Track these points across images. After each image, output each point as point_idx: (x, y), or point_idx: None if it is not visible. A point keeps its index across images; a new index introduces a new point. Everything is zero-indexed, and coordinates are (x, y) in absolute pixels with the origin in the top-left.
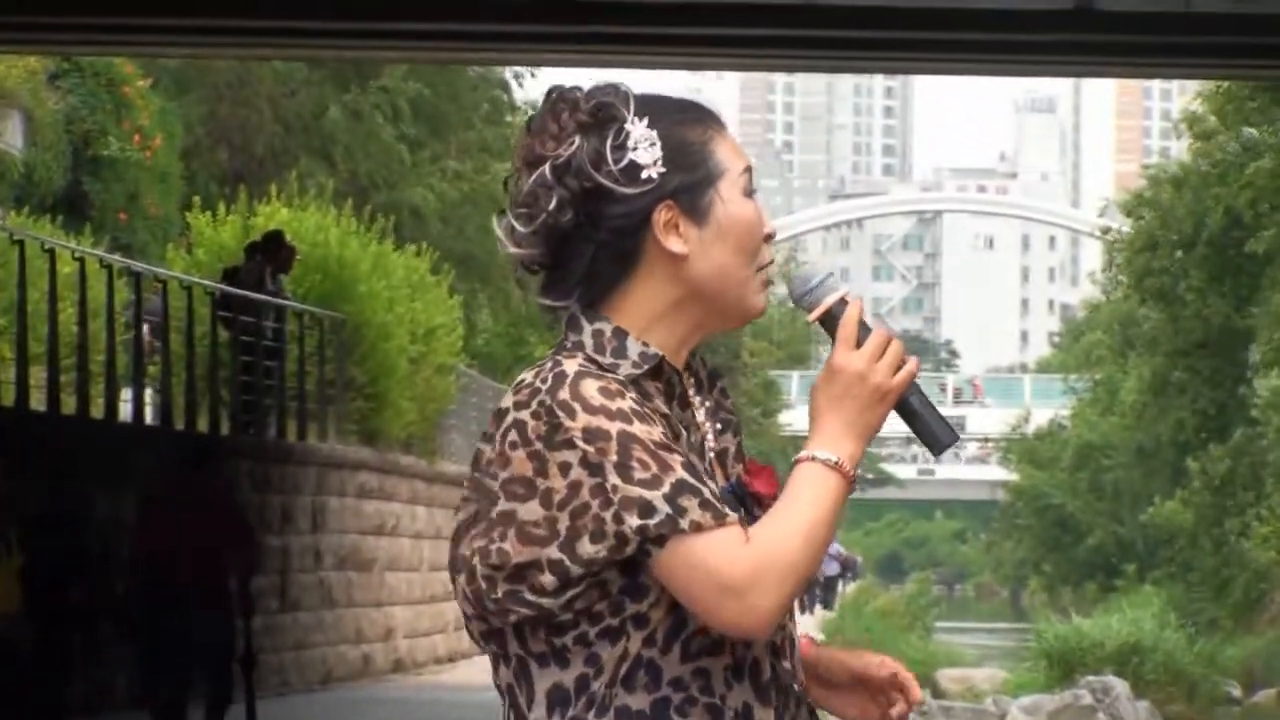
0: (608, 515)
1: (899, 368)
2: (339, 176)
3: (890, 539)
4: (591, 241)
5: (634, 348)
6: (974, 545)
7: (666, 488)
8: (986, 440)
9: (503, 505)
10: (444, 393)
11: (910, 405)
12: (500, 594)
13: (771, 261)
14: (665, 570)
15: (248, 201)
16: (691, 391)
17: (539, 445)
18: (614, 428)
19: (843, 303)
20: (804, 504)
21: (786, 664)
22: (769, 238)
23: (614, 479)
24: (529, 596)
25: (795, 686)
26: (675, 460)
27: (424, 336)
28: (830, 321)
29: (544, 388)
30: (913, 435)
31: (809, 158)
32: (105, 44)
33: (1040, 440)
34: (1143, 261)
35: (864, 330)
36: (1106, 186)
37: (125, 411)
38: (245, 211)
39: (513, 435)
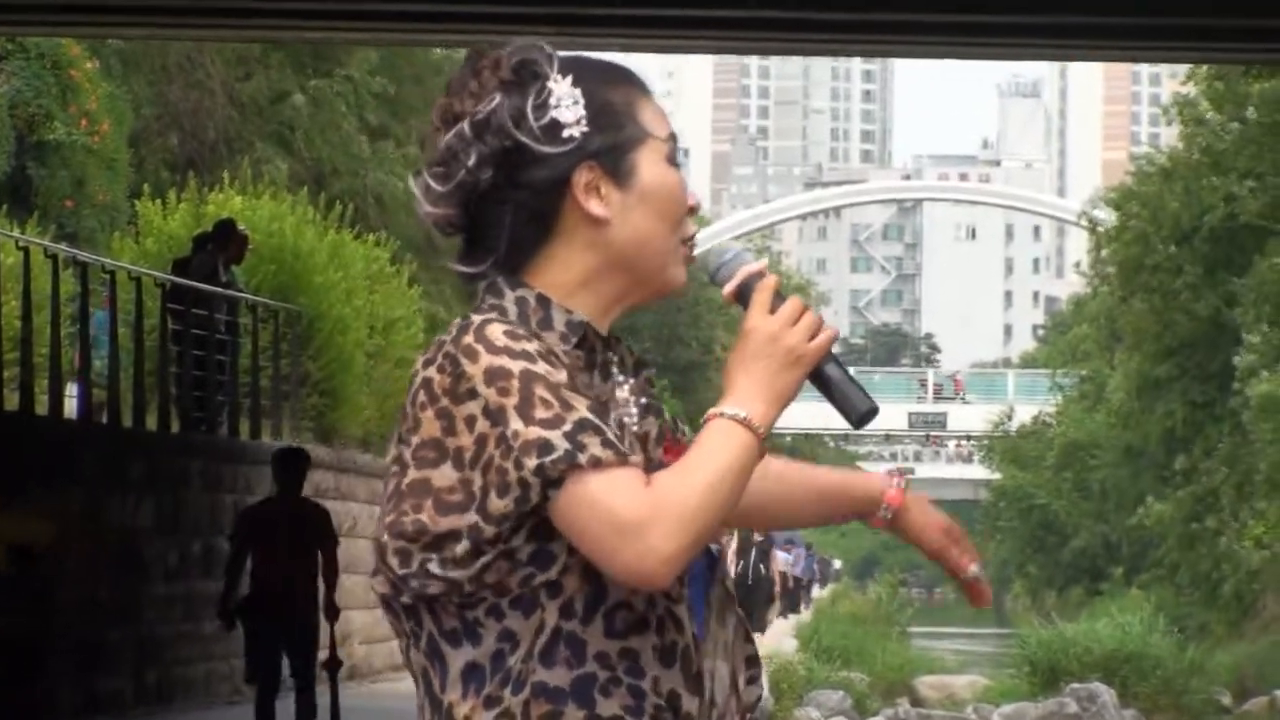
0: (509, 464)
1: (815, 335)
2: (298, 162)
3: (868, 541)
4: (509, 202)
5: (559, 316)
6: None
7: (568, 425)
8: (968, 438)
9: (414, 474)
10: (403, 388)
11: (825, 373)
12: (414, 567)
13: (695, 235)
14: (563, 511)
15: (199, 189)
16: (615, 369)
17: (445, 401)
18: (516, 366)
19: (758, 276)
20: (708, 454)
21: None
22: (693, 210)
23: (514, 424)
24: (437, 570)
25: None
26: (579, 401)
27: (383, 329)
28: (745, 296)
29: (448, 339)
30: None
31: (784, 144)
32: (51, 25)
33: (1024, 438)
34: (1134, 257)
35: (779, 300)
36: (1093, 174)
37: (71, 408)
38: (196, 199)
39: (422, 395)
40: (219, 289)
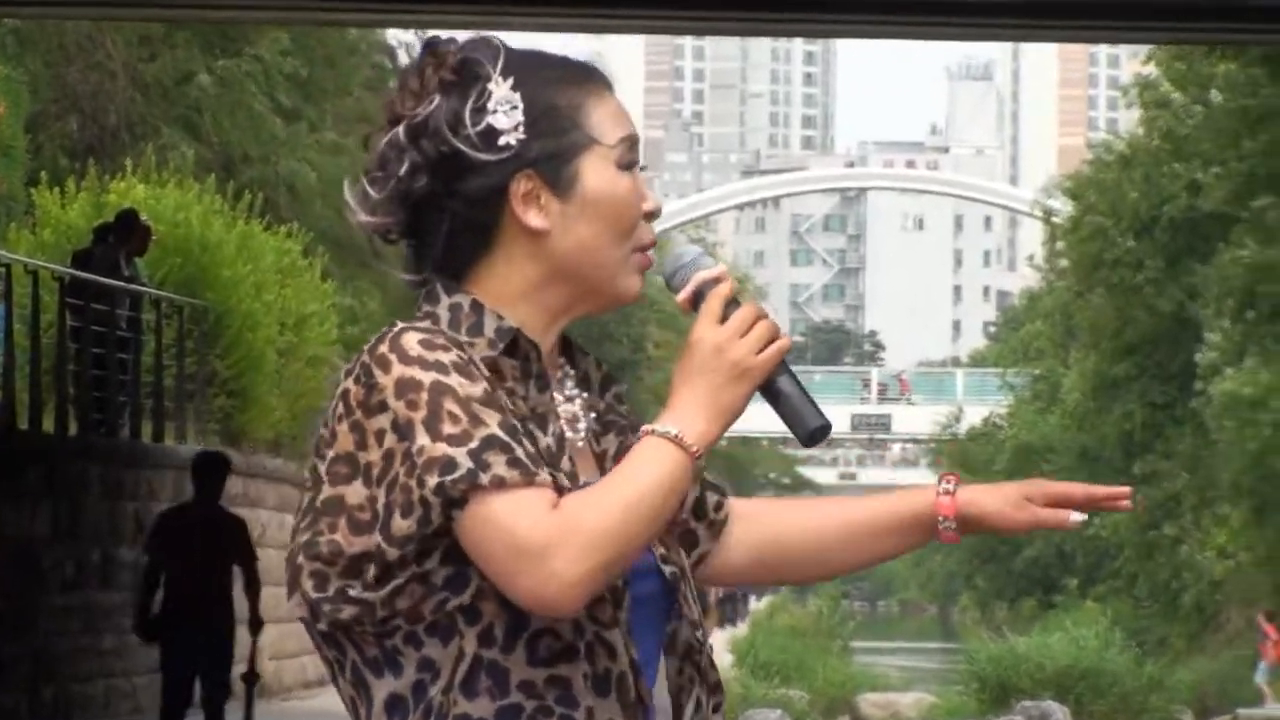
0: (413, 482)
1: (766, 346)
2: (205, 147)
3: None
4: (446, 211)
5: (490, 323)
6: (899, 558)
7: (475, 443)
8: (914, 441)
9: (327, 491)
10: (316, 388)
11: (777, 386)
12: (330, 591)
13: (653, 242)
14: (468, 533)
15: (99, 177)
16: (569, 384)
17: (359, 414)
18: (427, 378)
19: (714, 282)
20: (629, 474)
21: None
22: (650, 215)
23: (421, 440)
24: (353, 592)
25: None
26: (490, 416)
27: (294, 326)
28: (700, 303)
29: (366, 348)
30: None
31: (720, 130)
32: None
33: (973, 441)
34: (1092, 251)
35: (732, 307)
36: (1048, 161)
37: None
38: (97, 188)
39: (339, 407)
40: (121, 283)
